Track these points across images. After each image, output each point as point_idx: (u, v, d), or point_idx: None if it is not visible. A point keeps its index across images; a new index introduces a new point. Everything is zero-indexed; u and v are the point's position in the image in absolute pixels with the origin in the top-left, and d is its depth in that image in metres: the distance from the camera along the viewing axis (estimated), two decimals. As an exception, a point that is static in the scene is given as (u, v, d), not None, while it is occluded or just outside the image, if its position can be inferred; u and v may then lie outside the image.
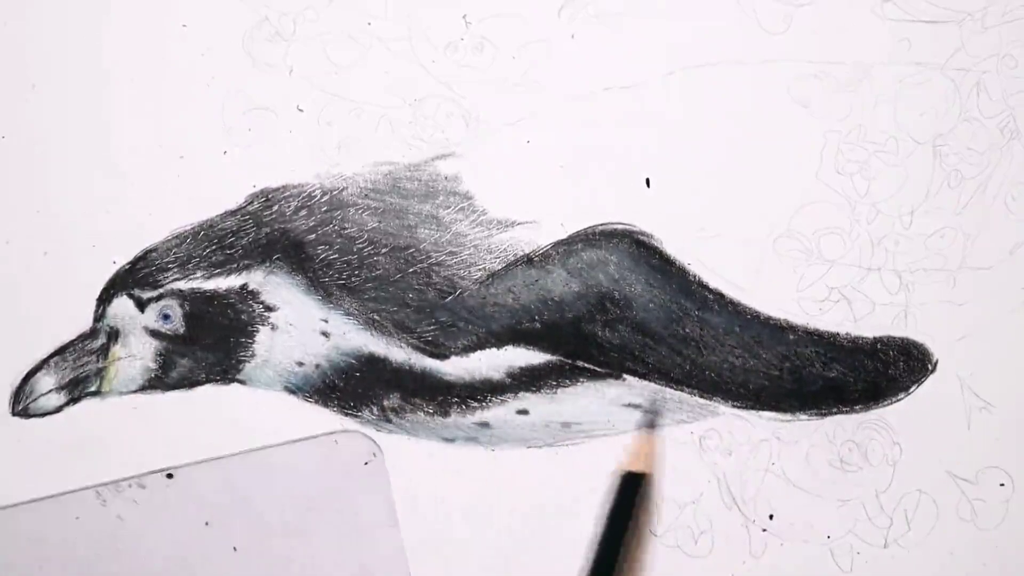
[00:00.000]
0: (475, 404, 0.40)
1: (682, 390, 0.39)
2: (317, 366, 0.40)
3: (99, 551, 0.39)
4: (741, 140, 0.39)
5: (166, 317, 0.40)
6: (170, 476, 0.38)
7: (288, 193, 0.41)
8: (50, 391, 0.41)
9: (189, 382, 0.41)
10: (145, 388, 0.41)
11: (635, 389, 0.39)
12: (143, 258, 0.41)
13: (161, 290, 0.41)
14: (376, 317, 0.40)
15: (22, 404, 0.41)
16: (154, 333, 0.41)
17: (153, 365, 0.41)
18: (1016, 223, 0.39)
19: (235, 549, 0.38)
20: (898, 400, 0.38)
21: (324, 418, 0.40)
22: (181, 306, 0.40)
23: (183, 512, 0.39)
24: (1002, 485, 0.38)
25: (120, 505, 0.39)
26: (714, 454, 0.39)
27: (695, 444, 0.39)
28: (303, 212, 0.40)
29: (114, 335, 0.41)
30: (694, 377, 0.39)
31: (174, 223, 0.41)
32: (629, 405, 0.39)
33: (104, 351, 0.41)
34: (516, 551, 0.39)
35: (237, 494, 0.39)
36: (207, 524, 0.39)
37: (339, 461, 0.38)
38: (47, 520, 0.40)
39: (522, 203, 0.40)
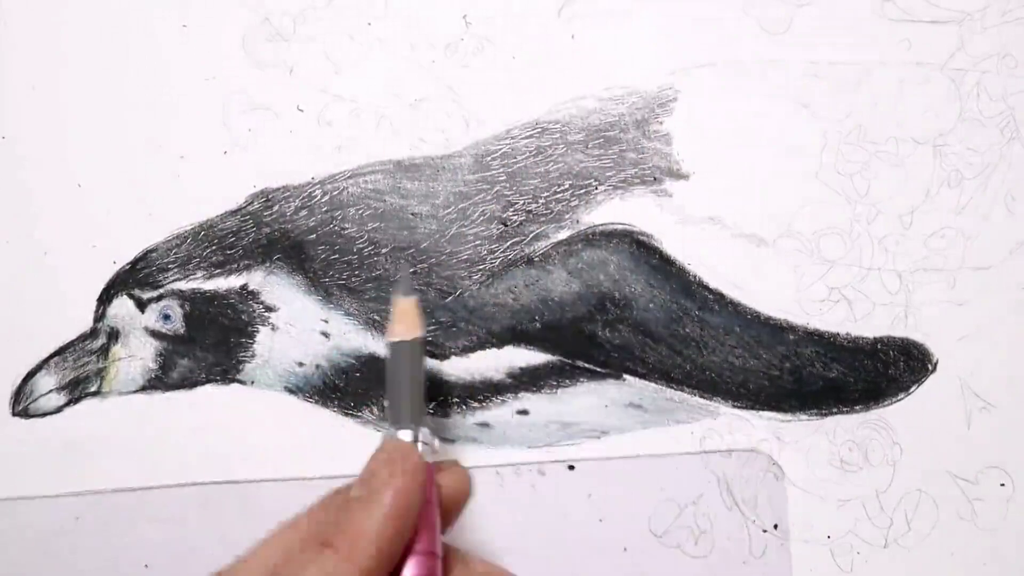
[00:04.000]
0: (475, 404, 0.40)
1: (682, 390, 0.39)
2: (317, 366, 0.40)
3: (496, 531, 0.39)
4: (741, 140, 0.39)
5: (166, 317, 0.40)
6: (571, 468, 0.38)
7: (288, 193, 0.41)
8: (50, 391, 0.41)
9: (189, 382, 0.41)
10: (145, 388, 0.41)
11: (635, 389, 0.39)
12: (143, 258, 0.41)
13: (161, 290, 0.41)
14: (376, 317, 0.40)
15: (22, 404, 0.41)
16: (154, 333, 0.41)
17: (153, 365, 0.41)
18: (1016, 223, 0.39)
19: (624, 550, 0.38)
20: (898, 400, 0.38)
21: (324, 418, 0.40)
22: (181, 306, 0.40)
23: (578, 503, 0.39)
24: (1002, 485, 0.38)
25: (518, 488, 0.38)
26: (714, 454, 0.39)
27: (695, 444, 0.39)
28: (303, 212, 0.41)
29: (114, 335, 0.41)
30: (694, 377, 0.39)
31: (174, 223, 0.41)
32: (629, 405, 0.39)
33: (104, 351, 0.41)
34: (516, 551, 0.39)
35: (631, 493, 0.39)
36: (600, 520, 0.38)
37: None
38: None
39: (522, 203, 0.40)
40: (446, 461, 0.34)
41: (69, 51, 0.42)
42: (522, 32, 0.40)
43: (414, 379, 0.34)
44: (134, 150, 0.42)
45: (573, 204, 0.40)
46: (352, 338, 0.40)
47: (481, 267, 0.40)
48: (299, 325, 0.40)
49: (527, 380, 0.39)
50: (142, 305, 0.41)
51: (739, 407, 0.39)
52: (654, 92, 0.40)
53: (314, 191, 0.41)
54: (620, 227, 0.39)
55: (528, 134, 0.40)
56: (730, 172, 0.39)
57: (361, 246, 0.40)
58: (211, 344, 0.40)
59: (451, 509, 0.32)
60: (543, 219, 0.40)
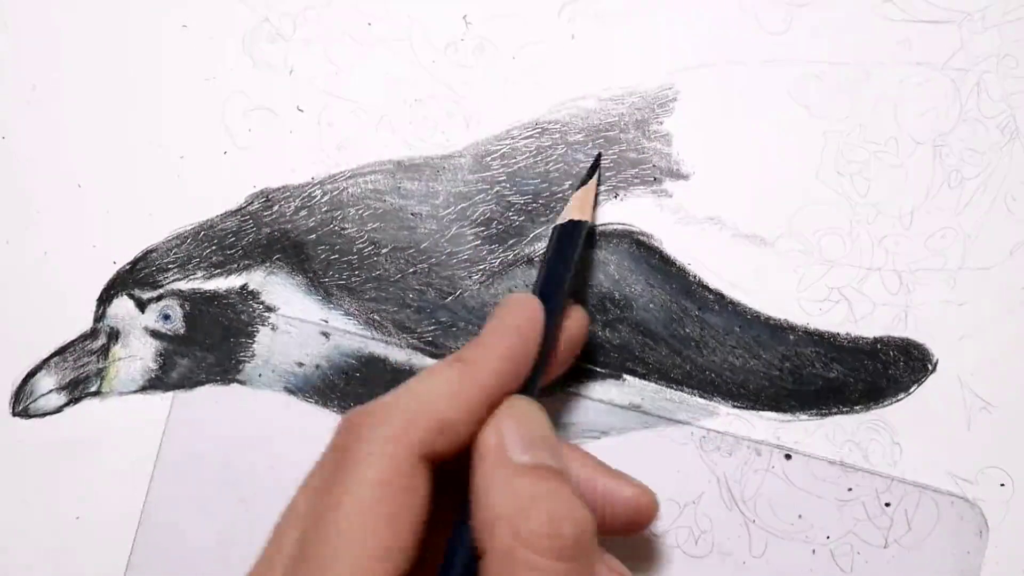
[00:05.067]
0: (475, 404, 0.39)
1: (682, 390, 0.39)
2: (317, 366, 0.40)
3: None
4: (741, 140, 0.39)
5: (166, 317, 0.40)
6: (788, 457, 0.38)
7: (288, 193, 0.41)
8: (50, 391, 0.41)
9: (189, 382, 0.41)
10: (145, 388, 0.41)
11: (635, 389, 0.39)
12: (143, 258, 0.41)
13: (161, 290, 0.41)
14: (376, 317, 0.40)
15: (22, 404, 0.41)
16: (154, 333, 0.41)
17: (153, 365, 0.41)
18: (1016, 223, 0.39)
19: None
20: (898, 400, 0.38)
21: (324, 418, 0.40)
22: (181, 306, 0.40)
23: (790, 495, 0.39)
24: (1002, 485, 0.38)
25: (716, 459, 0.38)
26: (714, 454, 0.39)
27: (695, 444, 0.39)
28: (303, 212, 0.41)
29: (114, 335, 0.41)
30: (694, 377, 0.39)
31: (174, 223, 0.41)
32: (629, 405, 0.39)
33: (104, 351, 0.41)
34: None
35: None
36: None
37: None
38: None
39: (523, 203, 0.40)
40: (572, 306, 0.37)
41: (69, 51, 0.42)
42: (522, 32, 0.40)
43: (564, 261, 0.36)
44: (134, 150, 0.42)
45: (573, 204, 0.40)
46: (352, 338, 0.40)
47: (481, 267, 0.40)
48: (299, 325, 0.40)
49: (527, 380, 0.39)
50: (142, 305, 0.41)
51: (739, 407, 0.39)
52: (654, 92, 0.40)
53: (314, 191, 0.41)
54: (620, 227, 0.39)
55: (528, 134, 0.40)
56: (730, 172, 0.39)
57: (361, 246, 0.40)
58: (211, 344, 0.40)
59: (572, 345, 0.36)
60: (543, 219, 0.40)
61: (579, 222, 0.37)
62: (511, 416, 0.30)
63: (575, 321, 0.36)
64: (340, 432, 0.30)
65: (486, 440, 0.29)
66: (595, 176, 0.39)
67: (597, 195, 0.39)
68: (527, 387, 0.32)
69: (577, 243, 0.37)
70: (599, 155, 0.39)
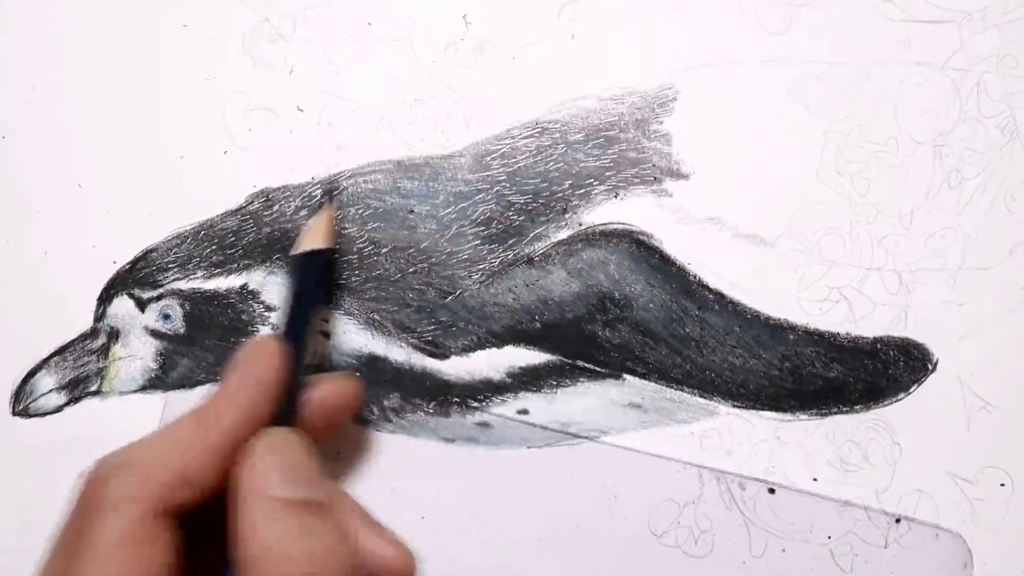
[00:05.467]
0: (475, 404, 0.40)
1: (682, 390, 0.39)
2: (318, 366, 0.40)
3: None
4: (741, 140, 0.39)
5: (166, 317, 0.40)
6: (772, 491, 0.38)
7: (288, 193, 0.41)
8: (50, 391, 0.41)
9: (189, 382, 0.41)
10: (145, 388, 0.41)
11: (635, 389, 0.39)
12: (143, 258, 0.41)
13: (161, 290, 0.41)
14: (376, 317, 0.40)
15: (22, 404, 0.41)
16: (154, 333, 0.41)
17: (153, 365, 0.41)
18: (1016, 223, 0.39)
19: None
20: (898, 400, 0.38)
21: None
22: (181, 306, 0.40)
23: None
24: (1002, 485, 0.38)
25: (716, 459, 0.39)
26: (714, 454, 0.39)
27: (695, 444, 0.39)
28: (303, 212, 0.41)
29: (114, 335, 0.41)
30: (694, 377, 0.39)
31: (174, 223, 0.41)
32: (629, 405, 0.39)
33: (104, 351, 0.41)
34: (517, 551, 0.39)
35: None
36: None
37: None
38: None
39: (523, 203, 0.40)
40: (338, 374, 0.37)
41: (69, 51, 0.42)
42: (522, 32, 0.40)
43: (307, 293, 0.37)
44: (134, 150, 0.42)
45: (573, 204, 0.40)
46: (352, 338, 0.40)
47: (481, 267, 0.40)
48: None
49: (527, 380, 0.39)
50: (142, 305, 0.41)
51: (739, 407, 0.39)
52: (654, 92, 0.40)
53: (314, 191, 0.41)
54: (620, 227, 0.39)
55: (528, 134, 0.40)
56: (730, 172, 0.39)
57: (361, 246, 0.40)
58: (211, 344, 0.40)
59: (329, 415, 0.35)
60: (543, 219, 0.40)
61: (319, 251, 0.37)
62: (268, 448, 0.30)
63: (339, 391, 0.35)
64: (82, 488, 0.29)
65: (244, 476, 0.29)
66: (332, 203, 0.39)
67: (335, 221, 0.39)
68: (280, 420, 0.32)
69: (319, 272, 0.37)
70: (332, 187, 0.40)
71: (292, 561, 0.27)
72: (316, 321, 0.36)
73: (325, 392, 0.35)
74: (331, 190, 0.40)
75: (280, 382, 0.32)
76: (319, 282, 0.37)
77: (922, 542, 0.38)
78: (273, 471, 0.29)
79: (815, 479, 0.38)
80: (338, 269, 0.40)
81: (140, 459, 0.29)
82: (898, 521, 0.38)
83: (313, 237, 0.38)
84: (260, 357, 0.32)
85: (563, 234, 0.40)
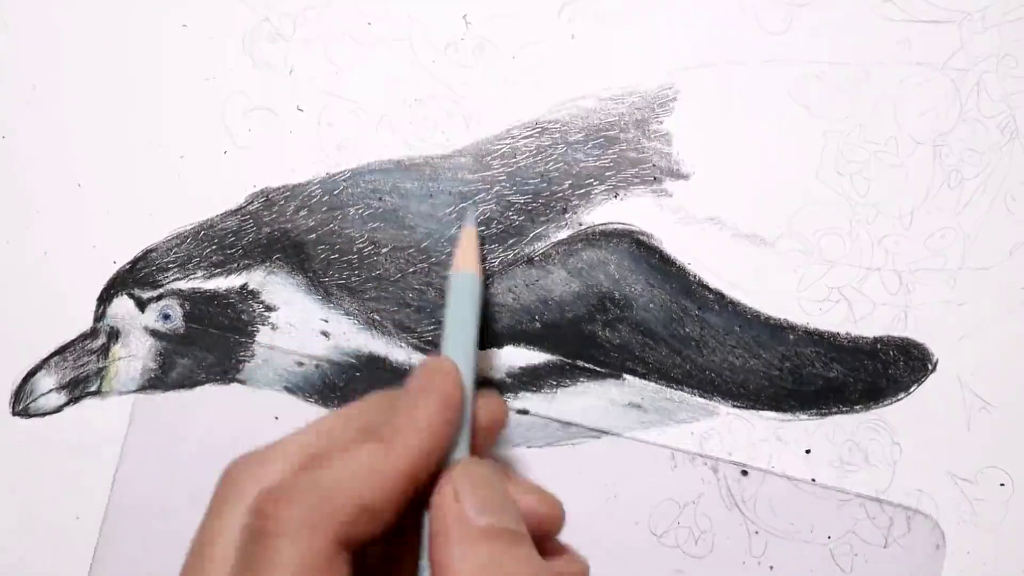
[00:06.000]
0: (475, 404, 0.39)
1: (682, 390, 0.39)
2: (317, 366, 0.40)
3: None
4: (741, 140, 0.39)
5: (166, 317, 0.40)
6: (744, 473, 0.38)
7: (288, 193, 0.41)
8: (50, 391, 0.41)
9: (189, 382, 0.41)
10: (145, 388, 0.41)
11: (635, 389, 0.39)
12: (143, 258, 0.41)
13: (161, 290, 0.41)
14: (376, 317, 0.40)
15: (22, 404, 0.41)
16: (154, 333, 0.41)
17: (153, 365, 0.41)
18: (1016, 223, 0.39)
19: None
20: (898, 400, 0.38)
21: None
22: (181, 306, 0.40)
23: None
24: (1002, 485, 0.38)
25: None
26: (714, 454, 0.39)
27: (695, 444, 0.39)
28: (303, 212, 0.40)
29: (114, 335, 0.41)
30: (694, 377, 0.39)
31: (174, 223, 0.41)
32: (629, 405, 0.39)
33: (104, 351, 0.41)
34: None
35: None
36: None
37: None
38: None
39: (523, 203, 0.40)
40: (484, 391, 0.35)
41: (69, 51, 0.42)
42: (522, 32, 0.40)
43: (467, 313, 0.35)
44: (134, 150, 0.42)
45: (573, 204, 0.40)
46: (352, 338, 0.40)
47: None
48: (299, 325, 0.40)
49: (527, 380, 0.39)
50: (142, 305, 0.41)
51: (739, 407, 0.39)
52: (654, 92, 0.40)
53: (314, 191, 0.41)
54: (620, 227, 0.39)
55: (528, 134, 0.40)
56: (730, 172, 0.39)
57: (361, 246, 0.40)
58: (211, 344, 0.40)
59: (486, 435, 0.34)
60: (543, 219, 0.40)
61: (472, 273, 0.36)
62: (468, 479, 0.29)
63: (492, 410, 0.34)
64: (255, 508, 0.28)
65: (444, 504, 0.28)
66: (471, 222, 0.39)
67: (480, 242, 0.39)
68: (466, 444, 0.31)
69: (477, 292, 0.36)
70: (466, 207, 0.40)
71: None
72: (475, 342, 0.34)
73: (481, 413, 0.33)
74: (465, 209, 0.39)
75: (459, 406, 0.31)
76: (474, 302, 0.36)
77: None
78: (474, 499, 0.28)
79: (814, 479, 0.38)
80: (340, 269, 0.40)
81: (323, 483, 0.27)
82: (879, 502, 0.38)
83: (464, 259, 0.37)
84: (440, 378, 0.31)
85: (563, 234, 0.40)
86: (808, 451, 0.38)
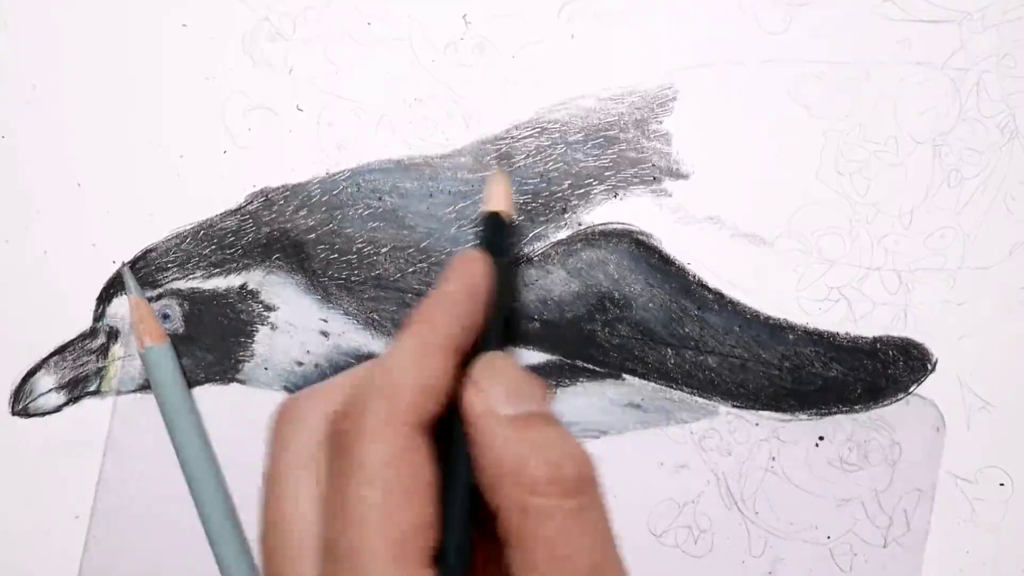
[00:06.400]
0: (475, 404, 0.39)
1: (682, 390, 0.39)
2: (317, 366, 0.40)
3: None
4: (741, 140, 0.39)
5: (165, 317, 0.40)
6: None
7: (288, 193, 0.41)
8: (50, 391, 0.41)
9: (189, 382, 0.41)
10: (144, 387, 0.41)
11: (635, 389, 0.39)
12: (143, 258, 0.41)
13: (160, 290, 0.41)
14: (376, 317, 0.40)
15: (22, 404, 0.41)
16: (154, 333, 0.41)
17: (153, 365, 0.41)
18: (1016, 223, 0.39)
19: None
20: (898, 400, 0.38)
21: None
22: (180, 306, 0.40)
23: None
24: (1002, 485, 0.38)
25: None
26: (714, 454, 0.39)
27: (695, 444, 0.39)
28: (303, 212, 0.41)
29: (114, 335, 0.41)
30: (694, 377, 0.39)
31: (174, 223, 0.41)
32: (629, 405, 0.39)
33: (104, 351, 0.41)
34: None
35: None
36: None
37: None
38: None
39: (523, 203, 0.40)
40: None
41: (69, 51, 0.42)
42: (522, 32, 0.40)
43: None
44: (134, 150, 0.42)
45: (572, 204, 0.40)
46: (352, 337, 0.40)
47: (481, 267, 0.40)
48: (299, 325, 0.40)
49: (527, 380, 0.39)
50: (142, 304, 0.41)
51: (739, 407, 0.39)
52: (654, 92, 0.40)
53: (314, 191, 0.41)
54: (619, 227, 0.39)
55: (528, 134, 0.40)
56: (730, 172, 0.39)
57: (361, 246, 0.40)
58: (210, 344, 0.40)
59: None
60: (543, 219, 0.40)
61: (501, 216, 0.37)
62: (489, 373, 0.30)
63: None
64: (336, 427, 0.29)
65: (472, 402, 0.29)
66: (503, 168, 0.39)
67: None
68: (490, 340, 0.32)
69: (504, 235, 0.37)
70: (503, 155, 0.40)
71: (533, 469, 0.28)
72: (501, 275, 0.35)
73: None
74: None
75: (490, 293, 0.32)
76: (502, 242, 0.36)
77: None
78: (497, 390, 0.29)
79: (813, 479, 0.38)
80: (340, 269, 0.40)
81: (383, 382, 0.29)
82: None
83: (494, 201, 0.37)
84: (470, 267, 0.32)
85: (563, 234, 0.40)
86: (821, 438, 0.38)
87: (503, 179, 0.37)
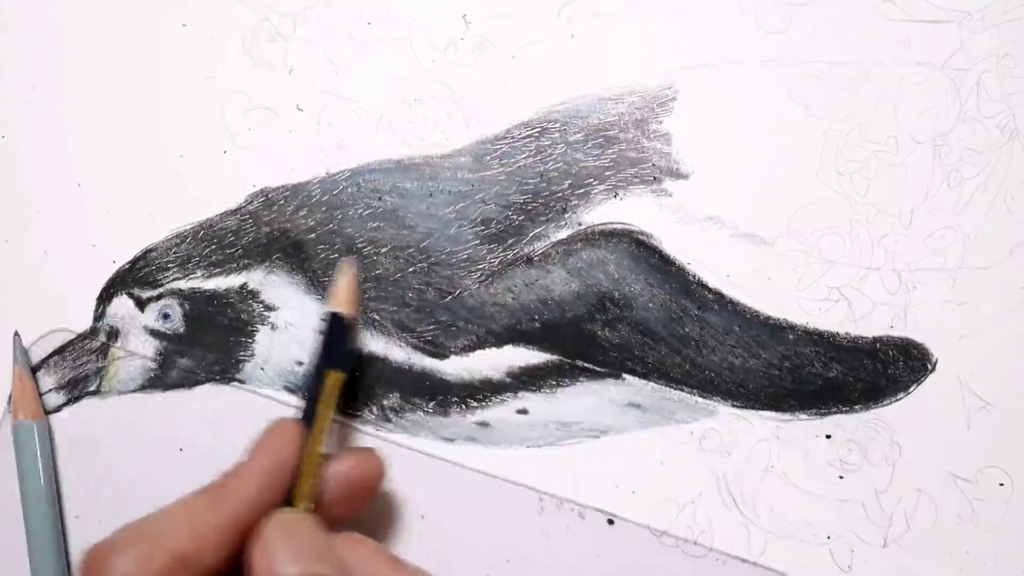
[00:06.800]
0: (475, 404, 0.39)
1: (681, 390, 0.39)
2: (317, 366, 0.40)
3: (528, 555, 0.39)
4: (741, 140, 0.39)
5: (166, 316, 0.41)
6: (611, 523, 0.38)
7: (288, 193, 0.41)
8: (50, 390, 0.41)
9: (189, 382, 0.41)
10: (145, 388, 0.41)
11: (634, 388, 0.39)
12: (143, 258, 0.41)
13: (161, 289, 0.41)
14: (376, 317, 0.40)
15: (22, 404, 0.41)
16: (154, 333, 0.41)
17: (153, 365, 0.41)
18: (1016, 223, 0.39)
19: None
20: (898, 400, 0.38)
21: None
22: (181, 305, 0.41)
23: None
24: (1002, 485, 0.38)
25: (551, 523, 0.39)
26: (714, 454, 0.39)
27: (695, 444, 0.39)
28: (303, 212, 0.41)
29: (114, 335, 0.41)
30: (694, 377, 0.39)
31: (174, 223, 0.41)
32: (629, 405, 0.39)
33: (104, 351, 0.41)
34: (517, 549, 0.39)
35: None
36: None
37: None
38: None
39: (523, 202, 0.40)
40: (361, 448, 0.37)
41: (69, 51, 0.42)
42: (522, 32, 0.41)
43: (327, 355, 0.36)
44: (134, 150, 0.42)
45: (572, 204, 0.40)
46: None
47: (481, 267, 0.40)
48: (299, 324, 0.40)
49: (527, 380, 0.39)
50: (141, 304, 0.41)
51: (738, 407, 0.39)
52: (654, 92, 0.40)
53: (314, 191, 0.41)
54: (619, 227, 0.39)
55: (528, 134, 0.40)
56: (730, 172, 0.39)
57: (361, 246, 0.40)
58: (211, 343, 0.40)
59: (360, 489, 0.35)
60: (543, 219, 0.40)
61: (340, 315, 0.37)
62: (277, 531, 0.30)
63: (361, 467, 0.35)
64: (84, 566, 0.29)
65: (255, 555, 0.30)
66: (351, 265, 0.39)
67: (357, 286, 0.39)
68: (293, 500, 0.33)
69: (341, 335, 0.37)
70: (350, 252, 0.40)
71: None
72: (333, 387, 0.36)
73: (346, 467, 0.35)
74: (350, 250, 0.40)
75: (297, 463, 0.33)
76: (340, 346, 0.37)
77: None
78: (282, 549, 0.30)
79: (813, 479, 0.38)
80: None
81: (144, 535, 0.29)
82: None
83: (337, 300, 0.37)
84: (279, 439, 0.33)
85: (563, 234, 0.40)
86: (820, 438, 0.38)
87: (349, 273, 0.37)
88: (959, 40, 0.39)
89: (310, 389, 0.36)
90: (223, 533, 0.30)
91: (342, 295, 0.37)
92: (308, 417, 0.35)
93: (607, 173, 0.40)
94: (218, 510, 0.30)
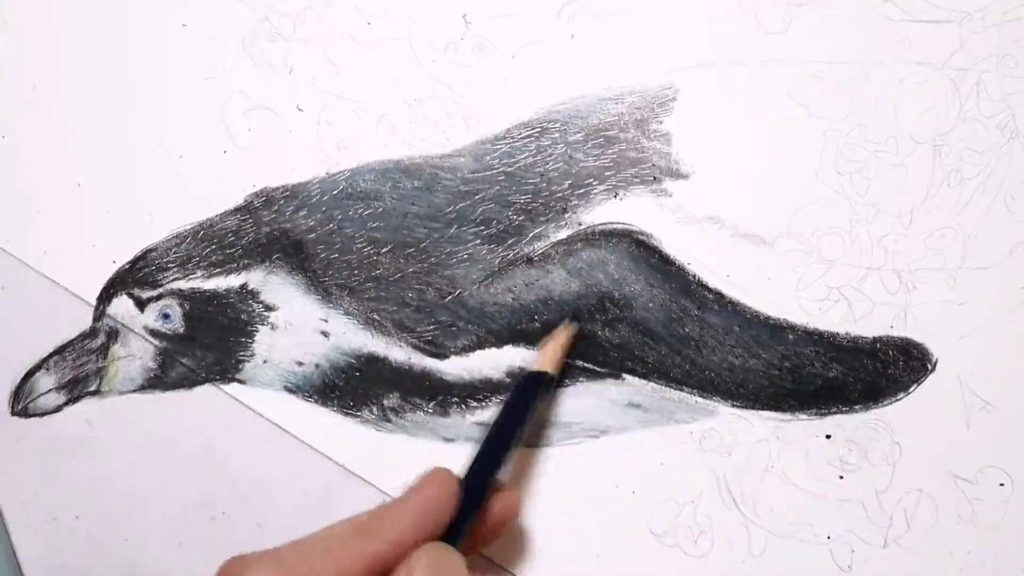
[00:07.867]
0: (475, 404, 0.40)
1: (681, 390, 0.39)
2: (317, 366, 0.40)
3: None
4: (741, 140, 0.39)
5: (166, 317, 0.41)
6: None
7: (288, 193, 0.41)
8: (50, 391, 0.41)
9: (189, 382, 0.41)
10: (145, 388, 0.41)
11: (634, 389, 0.39)
12: (143, 258, 0.41)
13: (161, 290, 0.41)
14: (376, 317, 0.40)
15: (22, 404, 0.41)
16: (154, 333, 0.41)
17: (153, 365, 0.41)
18: (1016, 223, 0.39)
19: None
20: (898, 400, 0.38)
21: (323, 417, 0.40)
22: (181, 306, 0.41)
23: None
24: (1002, 485, 0.38)
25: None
26: (714, 454, 0.39)
27: (695, 444, 0.39)
28: (303, 212, 0.41)
29: (114, 335, 0.41)
30: (694, 377, 0.39)
31: (174, 223, 0.41)
32: (629, 405, 0.39)
33: (104, 351, 0.41)
34: (516, 549, 0.39)
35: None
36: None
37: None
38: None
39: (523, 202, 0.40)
40: (502, 487, 0.37)
41: (69, 51, 0.42)
42: (522, 32, 0.41)
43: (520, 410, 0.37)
44: (134, 150, 0.42)
45: (573, 204, 0.40)
46: (352, 338, 0.40)
47: (481, 266, 0.40)
48: (299, 324, 0.40)
49: (527, 380, 0.39)
50: (141, 304, 0.41)
51: (738, 407, 0.39)
52: (654, 92, 0.40)
53: (314, 191, 0.41)
54: (619, 227, 0.39)
55: (528, 134, 0.40)
56: (730, 172, 0.39)
57: (361, 246, 0.40)
58: (210, 343, 0.40)
59: (497, 524, 0.35)
60: (543, 219, 0.40)
61: (542, 373, 0.37)
62: (423, 562, 0.30)
63: (504, 507, 0.36)
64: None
65: None
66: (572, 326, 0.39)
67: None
68: (444, 537, 0.33)
69: (535, 398, 0.37)
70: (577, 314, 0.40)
71: None
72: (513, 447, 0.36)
73: (493, 509, 0.35)
74: (576, 316, 0.39)
75: (450, 513, 0.33)
76: (531, 404, 0.37)
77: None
78: None
79: (814, 479, 0.38)
80: (340, 269, 0.40)
81: (283, 556, 0.29)
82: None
83: (545, 359, 0.38)
84: (433, 486, 0.33)
85: (563, 234, 0.40)
86: (820, 438, 0.38)
87: (566, 335, 0.38)
88: (959, 40, 0.39)
89: (490, 442, 0.36)
90: (366, 563, 0.30)
91: (550, 355, 0.38)
92: (483, 463, 0.35)
93: (607, 173, 0.40)
94: (365, 542, 0.30)
